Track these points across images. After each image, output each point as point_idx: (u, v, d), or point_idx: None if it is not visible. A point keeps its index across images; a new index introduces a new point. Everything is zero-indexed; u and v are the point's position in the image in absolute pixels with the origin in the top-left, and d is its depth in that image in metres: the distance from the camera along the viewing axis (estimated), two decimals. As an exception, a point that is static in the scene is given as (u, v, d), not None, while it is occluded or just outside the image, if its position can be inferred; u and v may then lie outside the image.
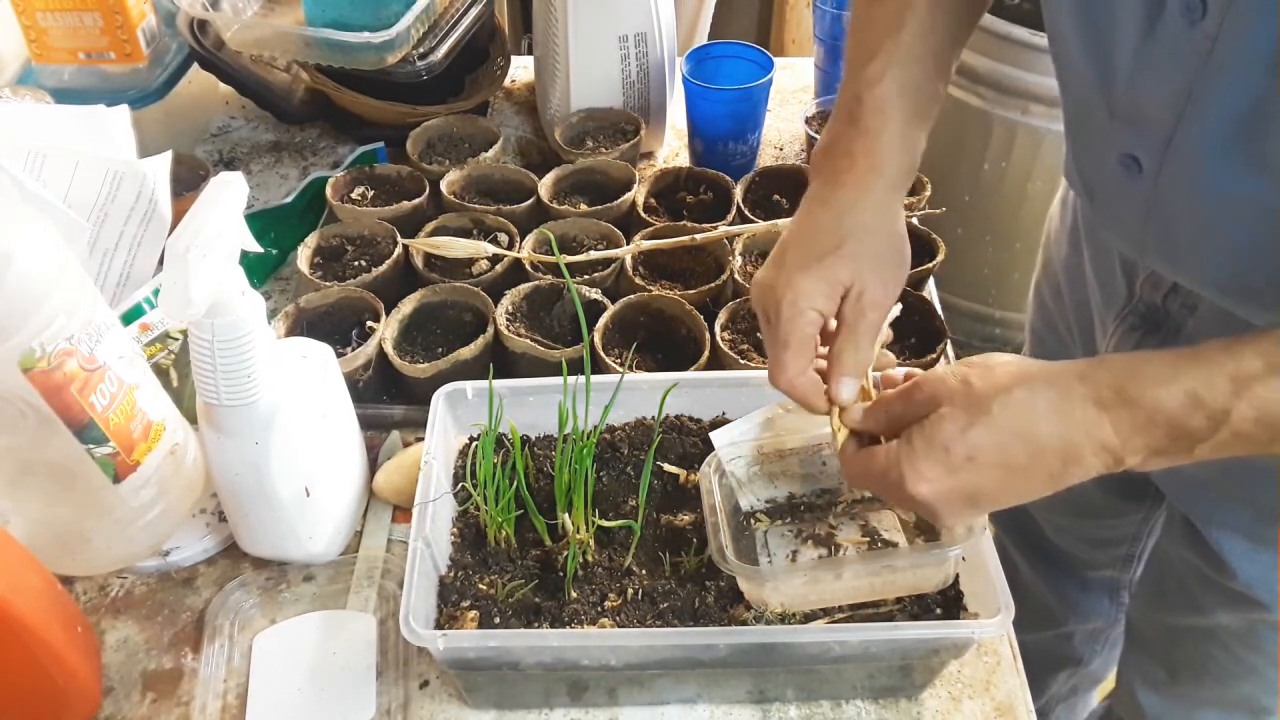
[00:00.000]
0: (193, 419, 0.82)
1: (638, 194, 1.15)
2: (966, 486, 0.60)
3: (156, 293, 0.94)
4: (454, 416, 0.85)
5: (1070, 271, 0.95)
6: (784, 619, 0.73)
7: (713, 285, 1.02)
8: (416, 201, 1.12)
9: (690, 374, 0.88)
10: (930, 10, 0.72)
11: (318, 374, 0.82)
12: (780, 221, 1.06)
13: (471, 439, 0.85)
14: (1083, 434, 0.58)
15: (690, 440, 0.87)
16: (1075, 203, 0.94)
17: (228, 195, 0.70)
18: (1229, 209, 0.66)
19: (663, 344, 1.00)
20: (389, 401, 0.98)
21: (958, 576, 0.75)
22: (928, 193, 1.12)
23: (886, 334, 0.72)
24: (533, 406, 0.85)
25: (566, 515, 0.78)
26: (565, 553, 0.76)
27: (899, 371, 0.70)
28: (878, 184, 0.70)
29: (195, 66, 1.27)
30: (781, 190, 1.16)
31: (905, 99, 0.72)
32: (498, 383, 0.83)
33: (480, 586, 0.76)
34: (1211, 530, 0.86)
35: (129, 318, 0.92)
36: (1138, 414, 0.57)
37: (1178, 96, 0.63)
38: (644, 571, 0.78)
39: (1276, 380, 0.55)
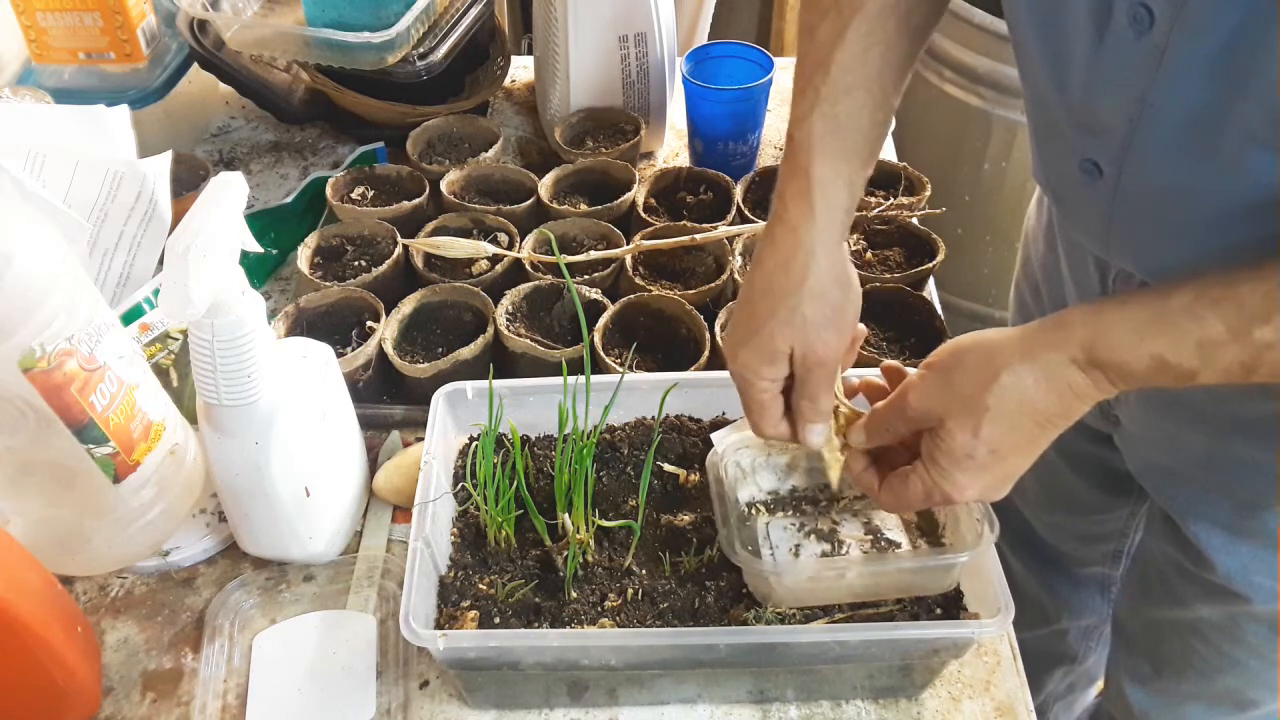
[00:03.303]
0: (193, 419, 0.82)
1: (638, 194, 1.15)
2: (1000, 473, 0.65)
3: (156, 293, 0.94)
4: (454, 416, 0.85)
5: (1047, 269, 0.95)
6: (784, 619, 0.73)
7: (713, 285, 1.02)
8: (416, 201, 1.12)
9: (690, 374, 0.88)
10: (862, 40, 0.71)
11: (318, 374, 0.82)
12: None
13: (471, 439, 0.85)
14: (1071, 394, 0.62)
15: (690, 440, 0.87)
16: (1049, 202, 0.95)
17: (228, 195, 0.70)
18: (1189, 208, 0.67)
19: (663, 344, 1.00)
20: (389, 401, 0.98)
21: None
22: (928, 193, 1.12)
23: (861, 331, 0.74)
24: (533, 406, 0.85)
25: (566, 515, 0.78)
26: (565, 553, 0.77)
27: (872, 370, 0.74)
28: (809, 233, 0.70)
29: (195, 66, 1.27)
30: (781, 190, 1.16)
31: (837, 135, 0.71)
32: (498, 383, 0.83)
33: (480, 586, 0.76)
34: (1190, 523, 0.87)
35: (129, 318, 0.92)
36: (1110, 373, 0.61)
37: (1132, 105, 0.64)
38: (644, 571, 0.78)
39: (1237, 345, 0.57)
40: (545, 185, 1.15)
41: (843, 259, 0.71)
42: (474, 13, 1.27)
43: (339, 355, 0.88)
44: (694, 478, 0.84)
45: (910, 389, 0.66)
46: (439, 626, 0.74)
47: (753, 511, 0.77)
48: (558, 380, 0.79)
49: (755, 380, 0.71)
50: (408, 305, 1.00)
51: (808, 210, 0.70)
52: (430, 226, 1.09)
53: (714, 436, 0.82)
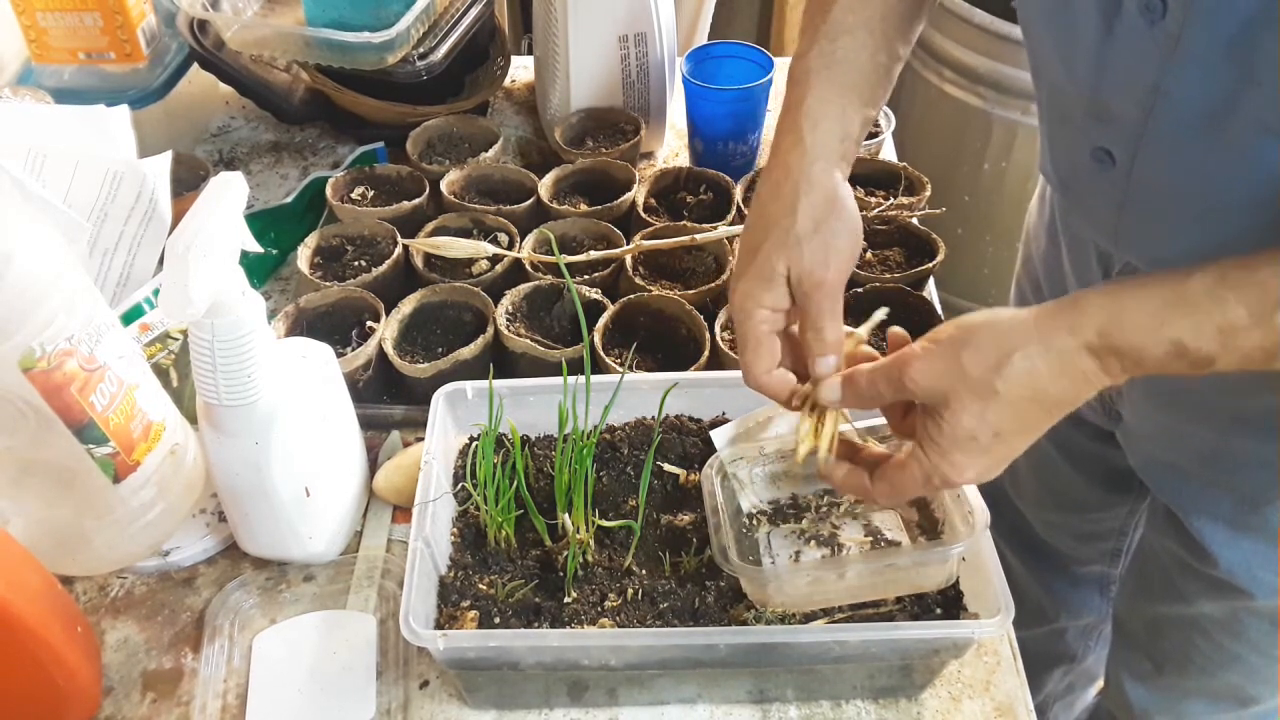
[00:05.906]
0: (193, 419, 0.82)
1: (638, 194, 1.15)
2: (1000, 456, 0.63)
3: (156, 293, 0.94)
4: (454, 416, 0.85)
5: (1048, 265, 0.95)
6: (784, 619, 0.73)
7: (713, 285, 1.02)
8: (416, 201, 1.12)
9: (690, 374, 0.88)
10: None
11: (318, 374, 0.82)
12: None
13: (471, 439, 0.85)
14: (1082, 380, 0.60)
15: (690, 440, 0.87)
16: (1052, 197, 0.95)
17: (228, 195, 0.70)
18: (1201, 197, 0.67)
19: (663, 344, 1.00)
20: (389, 401, 0.98)
21: (958, 577, 0.75)
22: (928, 193, 1.12)
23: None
24: (533, 406, 0.85)
25: (566, 515, 0.78)
26: (565, 553, 0.76)
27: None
28: (800, 160, 0.70)
29: (195, 66, 1.27)
30: (781, 190, 1.16)
31: (832, 70, 0.72)
32: (498, 383, 0.83)
33: (480, 586, 0.76)
34: (1192, 518, 0.87)
35: (129, 318, 0.92)
36: (1125, 360, 0.59)
37: (1146, 93, 0.64)
38: (644, 571, 0.78)
39: (1260, 330, 0.56)
40: (545, 185, 1.15)
41: (834, 184, 0.70)
42: (474, 13, 1.27)
43: (339, 355, 0.88)
44: (694, 478, 0.83)
45: (913, 360, 0.63)
46: (439, 626, 0.74)
47: (754, 522, 0.77)
48: (558, 380, 0.79)
49: (754, 310, 0.69)
50: (408, 305, 1.00)
51: (796, 140, 0.70)
52: (430, 226, 1.09)
53: (714, 434, 0.82)
